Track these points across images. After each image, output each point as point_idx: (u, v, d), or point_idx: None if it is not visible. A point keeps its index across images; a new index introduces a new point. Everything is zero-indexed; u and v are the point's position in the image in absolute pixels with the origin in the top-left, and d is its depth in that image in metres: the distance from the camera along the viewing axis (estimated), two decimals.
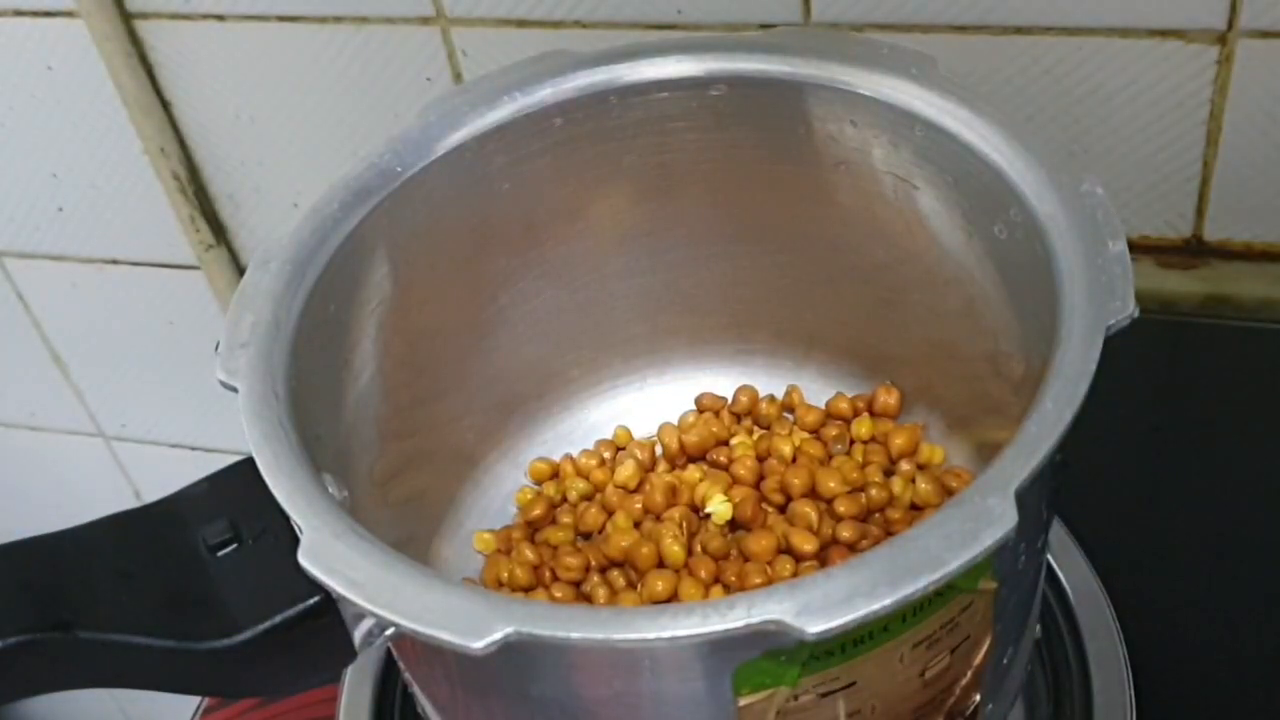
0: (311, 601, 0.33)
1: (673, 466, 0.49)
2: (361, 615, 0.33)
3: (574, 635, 0.29)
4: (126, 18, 0.66)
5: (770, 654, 0.30)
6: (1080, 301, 0.33)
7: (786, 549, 0.44)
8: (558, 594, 0.45)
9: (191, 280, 0.78)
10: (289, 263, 0.39)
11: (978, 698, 0.37)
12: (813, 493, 0.45)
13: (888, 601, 0.28)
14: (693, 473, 0.48)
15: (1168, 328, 0.59)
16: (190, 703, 0.54)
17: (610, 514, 0.47)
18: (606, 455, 0.50)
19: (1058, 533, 0.49)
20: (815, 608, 0.28)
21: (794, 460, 0.47)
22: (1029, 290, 0.37)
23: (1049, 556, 0.47)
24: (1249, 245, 0.59)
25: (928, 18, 0.56)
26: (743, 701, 0.31)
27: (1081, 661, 0.46)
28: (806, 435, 0.49)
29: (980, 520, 0.29)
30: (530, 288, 0.48)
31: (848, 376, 0.50)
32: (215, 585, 0.34)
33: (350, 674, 0.49)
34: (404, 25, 0.62)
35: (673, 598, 0.43)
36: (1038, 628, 0.43)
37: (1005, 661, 0.38)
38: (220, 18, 0.65)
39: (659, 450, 0.50)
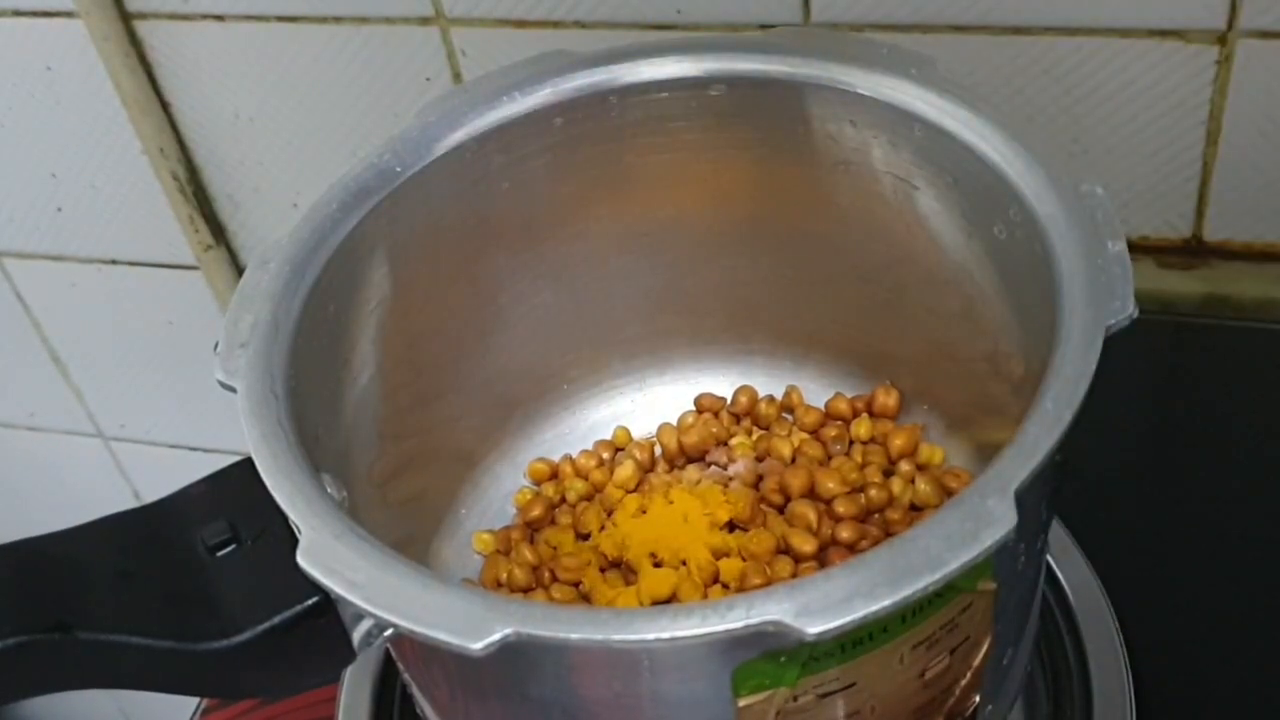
0: (310, 602, 0.32)
1: (672, 467, 0.49)
2: (360, 616, 0.33)
3: (573, 636, 0.29)
4: (126, 18, 0.66)
5: (770, 654, 0.30)
6: (1080, 302, 0.33)
7: (785, 549, 0.44)
8: (557, 594, 0.45)
9: (191, 280, 0.78)
10: (288, 263, 0.39)
11: (977, 698, 0.37)
12: (812, 493, 0.45)
13: (887, 602, 0.28)
14: (692, 473, 0.48)
15: (1168, 328, 0.59)
16: (190, 703, 0.54)
17: (609, 514, 0.47)
18: (605, 456, 0.50)
19: (1058, 533, 0.49)
20: (815, 608, 0.28)
21: (793, 461, 0.47)
22: (1029, 290, 0.37)
23: (1049, 556, 0.47)
24: (1249, 245, 0.59)
25: (928, 18, 0.56)
26: (742, 702, 0.31)
27: (1081, 661, 0.46)
28: (806, 436, 0.49)
29: (980, 521, 0.29)
30: (530, 288, 0.48)
31: (847, 377, 0.50)
32: (214, 586, 0.34)
33: (350, 674, 0.49)
34: (404, 25, 0.62)
35: (672, 598, 0.43)
36: (1038, 628, 0.43)
37: (1005, 662, 0.38)
38: (220, 18, 0.65)
39: (658, 451, 0.50)
